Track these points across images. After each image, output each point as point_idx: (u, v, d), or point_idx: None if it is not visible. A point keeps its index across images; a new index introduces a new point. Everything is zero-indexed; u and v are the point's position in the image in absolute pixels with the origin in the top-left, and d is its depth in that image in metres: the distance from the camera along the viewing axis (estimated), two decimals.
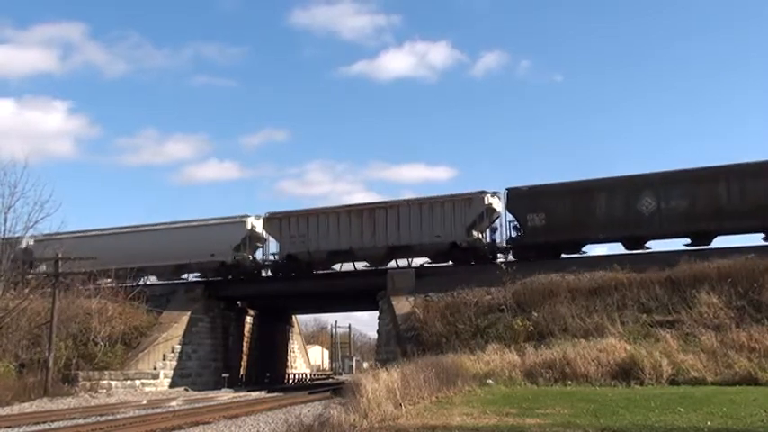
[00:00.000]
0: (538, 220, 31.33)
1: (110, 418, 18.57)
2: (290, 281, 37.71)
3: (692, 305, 25.23)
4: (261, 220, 37.02)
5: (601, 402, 15.71)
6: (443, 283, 30.85)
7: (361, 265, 36.04)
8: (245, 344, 42.18)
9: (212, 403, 23.66)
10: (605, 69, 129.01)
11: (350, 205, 36.60)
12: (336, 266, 36.85)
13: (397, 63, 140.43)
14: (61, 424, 17.13)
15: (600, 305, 26.56)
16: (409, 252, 34.23)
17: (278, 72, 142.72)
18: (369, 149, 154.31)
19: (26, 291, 31.39)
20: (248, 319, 42.87)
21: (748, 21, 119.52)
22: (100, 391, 29.13)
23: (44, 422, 17.41)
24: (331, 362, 77.47)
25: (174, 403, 23.90)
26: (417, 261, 34.90)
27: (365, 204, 36.39)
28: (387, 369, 17.13)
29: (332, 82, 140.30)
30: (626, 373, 21.95)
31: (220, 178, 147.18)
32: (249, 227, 36.80)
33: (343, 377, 46.57)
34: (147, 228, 39.55)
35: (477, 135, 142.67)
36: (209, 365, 37.33)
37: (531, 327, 26.46)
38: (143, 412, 20.34)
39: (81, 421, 17.83)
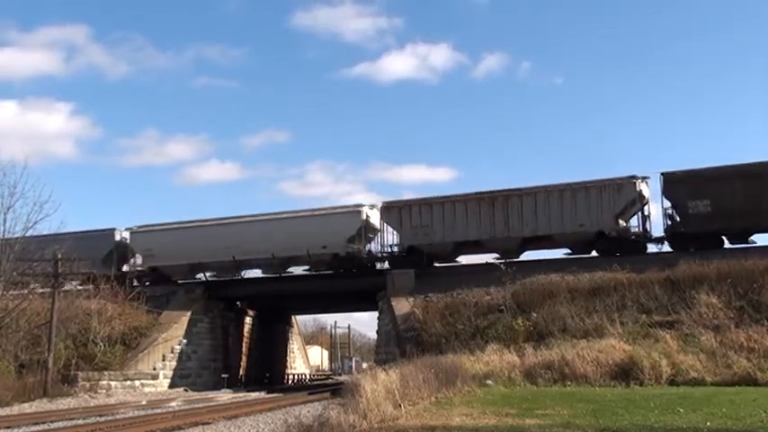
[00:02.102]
0: (702, 207, 28.68)
1: (109, 418, 18.58)
2: (290, 281, 37.70)
3: (691, 306, 25.23)
4: (375, 210, 35.13)
5: (600, 403, 15.72)
6: (443, 284, 30.86)
7: (490, 257, 33.29)
8: (244, 344, 42.17)
9: (212, 404, 23.66)
10: (605, 70, 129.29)
11: (480, 192, 33.10)
12: (462, 259, 34.60)
13: (398, 65, 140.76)
14: (61, 424, 17.13)
15: (599, 306, 26.57)
16: (547, 243, 32.12)
17: (279, 73, 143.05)
18: (370, 150, 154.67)
19: (25, 291, 31.38)
20: (248, 320, 42.88)
21: (748, 21, 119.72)
22: (99, 391, 29.13)
23: (44, 422, 17.41)
24: (330, 362, 77.50)
25: (173, 404, 23.90)
26: (554, 253, 32.94)
27: (497, 191, 32.82)
28: (385, 370, 17.11)
29: (333, 83, 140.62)
30: (625, 373, 21.96)
31: (221, 179, 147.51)
32: (364, 217, 34.53)
33: (343, 378, 46.57)
34: (250, 218, 37.63)
35: (478, 136, 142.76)
36: (209, 366, 37.31)
37: (531, 327, 26.46)
38: (142, 413, 20.34)
39: (80, 422, 17.83)
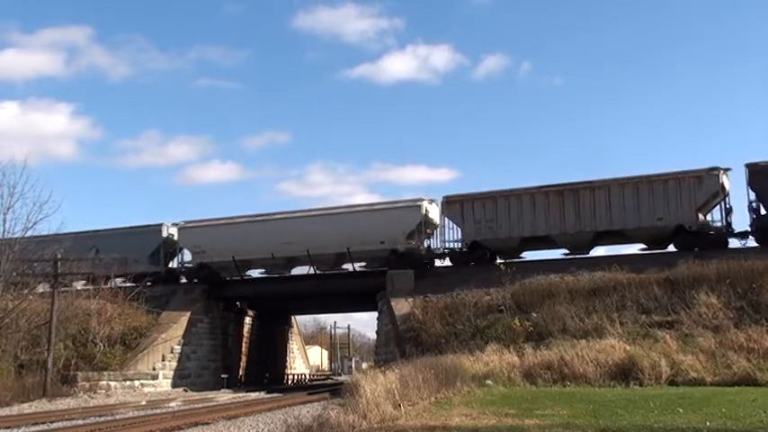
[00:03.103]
0: None
1: (109, 418, 18.59)
2: (290, 281, 37.67)
3: (690, 306, 25.22)
4: (434, 204, 33.97)
5: (600, 403, 15.71)
6: (442, 284, 30.83)
7: (559, 253, 32.30)
8: (244, 344, 42.17)
9: (211, 404, 23.67)
10: (605, 71, 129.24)
11: (548, 185, 31.88)
12: (527, 254, 33.43)
13: (399, 66, 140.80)
14: (60, 425, 17.15)
15: (599, 306, 26.55)
16: (621, 238, 31.07)
17: (281, 74, 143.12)
18: (370, 151, 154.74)
19: (25, 291, 31.39)
20: (247, 320, 42.88)
21: (748, 21, 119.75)
22: (99, 391, 29.16)
23: (43, 423, 17.43)
24: (330, 362, 77.51)
25: (173, 404, 23.91)
26: (629, 248, 31.92)
27: (568, 184, 31.51)
28: (384, 370, 17.11)
29: (334, 84, 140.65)
30: (625, 373, 21.94)
31: (222, 179, 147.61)
32: (423, 211, 33.32)
33: (343, 378, 46.58)
34: (305, 214, 36.95)
35: (479, 137, 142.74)
36: (209, 366, 37.33)
37: (531, 327, 26.45)
38: (142, 413, 20.35)
39: (80, 422, 17.84)
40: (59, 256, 29.15)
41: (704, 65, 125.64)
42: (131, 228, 39.24)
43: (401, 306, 30.64)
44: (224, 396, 29.23)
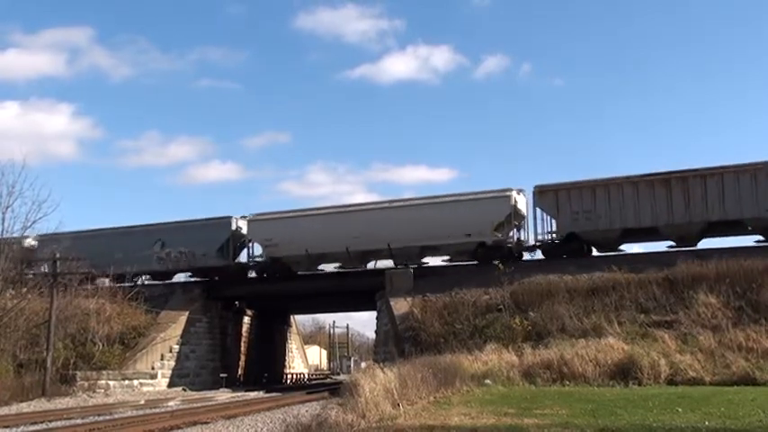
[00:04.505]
0: None
1: (107, 417, 18.56)
2: (289, 280, 37.61)
3: (689, 305, 25.24)
4: (522, 195, 32.40)
5: (599, 402, 15.72)
6: (441, 283, 30.81)
7: (664, 245, 30.66)
8: (243, 344, 42.13)
9: (210, 403, 23.66)
10: (605, 72, 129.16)
11: (653, 174, 30.06)
12: (626, 247, 31.75)
13: (399, 66, 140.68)
14: (59, 424, 17.12)
15: (598, 305, 26.56)
16: (736, 228, 29.24)
17: (281, 75, 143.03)
18: (371, 151, 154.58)
19: (24, 290, 31.38)
20: (246, 320, 42.84)
21: (748, 21, 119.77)
22: (98, 391, 29.16)
23: (42, 422, 17.40)
24: (329, 362, 77.52)
25: (172, 403, 23.90)
26: (743, 240, 30.08)
27: (674, 172, 29.75)
28: (383, 370, 17.10)
29: (335, 85, 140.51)
30: (624, 373, 21.95)
31: (222, 179, 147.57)
32: (513, 202, 31.71)
33: (341, 377, 46.58)
34: (383, 205, 35.66)
35: (479, 137, 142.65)
36: (208, 365, 37.31)
37: (529, 327, 26.46)
38: (141, 412, 20.35)
39: (79, 421, 17.83)
40: (58, 255, 29.12)
41: (704, 65, 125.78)
42: (198, 221, 38.35)
43: (400, 305, 30.63)
44: (223, 395, 29.22)
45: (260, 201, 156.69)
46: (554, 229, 31.56)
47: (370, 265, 35.99)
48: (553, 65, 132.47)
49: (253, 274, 38.61)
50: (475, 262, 32.24)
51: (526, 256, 33.02)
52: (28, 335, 30.86)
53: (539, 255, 32.58)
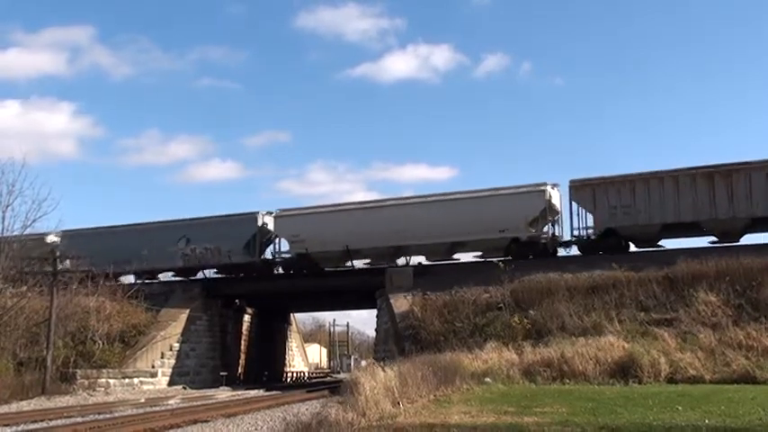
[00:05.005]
0: None
1: (108, 416, 18.55)
2: (289, 279, 37.58)
3: (689, 304, 25.24)
4: (556, 190, 31.70)
5: (599, 401, 15.72)
6: (441, 282, 30.82)
7: (706, 241, 29.96)
8: (243, 342, 42.13)
9: (210, 401, 23.67)
10: (605, 71, 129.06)
11: (695, 167, 29.38)
12: (665, 242, 30.79)
13: (399, 65, 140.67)
14: (59, 422, 17.12)
15: (598, 304, 26.56)
16: None
17: (282, 74, 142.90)
18: (371, 150, 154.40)
19: (24, 288, 31.37)
20: (246, 318, 42.85)
21: (748, 21, 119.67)
22: (98, 389, 29.14)
23: (42, 420, 17.40)
24: (329, 360, 77.54)
25: (172, 401, 23.90)
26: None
27: (718, 166, 28.98)
28: (383, 368, 17.10)
29: (335, 84, 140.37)
30: (624, 371, 21.96)
31: (222, 178, 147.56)
32: (547, 197, 31.10)
33: (342, 375, 46.60)
34: (415, 200, 34.95)
35: (479, 136, 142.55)
36: (208, 364, 37.31)
37: (530, 325, 26.47)
38: (141, 410, 20.35)
39: (79, 419, 17.81)
40: (58, 253, 29.14)
41: (704, 65, 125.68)
42: (224, 216, 37.99)
43: (400, 303, 30.64)
44: (223, 394, 29.23)
45: (260, 199, 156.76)
46: (591, 224, 31.04)
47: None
48: (553, 64, 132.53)
49: (279, 271, 38.03)
50: (506, 257, 31.34)
51: (561, 252, 32.47)
52: (28, 333, 30.86)
53: (574, 251, 32.01)
